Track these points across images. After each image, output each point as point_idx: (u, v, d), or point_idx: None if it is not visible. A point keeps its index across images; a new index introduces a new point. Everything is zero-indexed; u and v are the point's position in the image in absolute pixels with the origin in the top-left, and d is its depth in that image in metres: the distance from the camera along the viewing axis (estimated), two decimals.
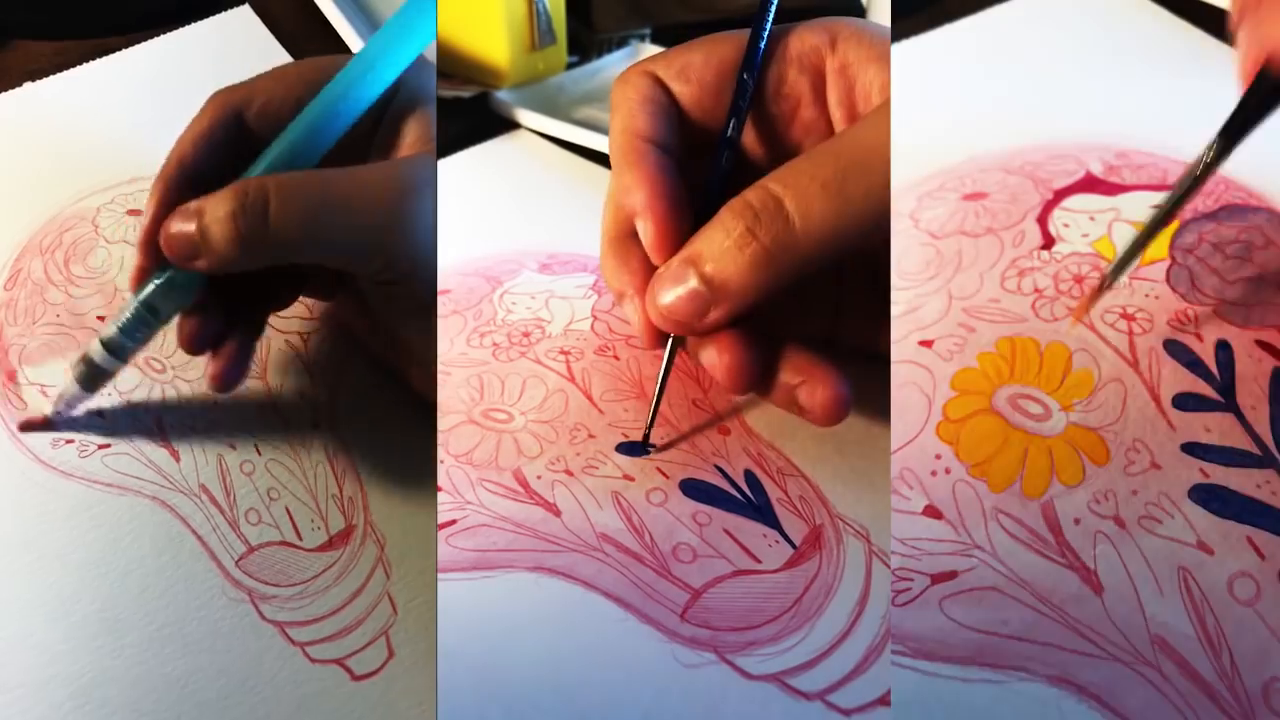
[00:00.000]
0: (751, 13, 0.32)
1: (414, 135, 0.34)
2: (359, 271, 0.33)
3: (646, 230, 0.31)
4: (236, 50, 0.51)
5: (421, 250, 0.32)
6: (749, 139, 0.34)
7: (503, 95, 0.54)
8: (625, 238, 0.32)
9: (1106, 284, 0.32)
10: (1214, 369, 0.33)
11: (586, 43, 0.61)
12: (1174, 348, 0.34)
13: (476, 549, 0.32)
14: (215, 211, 0.30)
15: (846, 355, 0.33)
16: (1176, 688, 0.27)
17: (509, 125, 0.54)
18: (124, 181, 0.45)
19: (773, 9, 0.32)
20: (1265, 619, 0.28)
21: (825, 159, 0.29)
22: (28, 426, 0.36)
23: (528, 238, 0.45)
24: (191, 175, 0.33)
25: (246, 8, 0.53)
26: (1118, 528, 0.30)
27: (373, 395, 0.38)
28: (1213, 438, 0.32)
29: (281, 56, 0.51)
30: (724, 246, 0.29)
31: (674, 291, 0.30)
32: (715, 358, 0.31)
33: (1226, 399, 0.32)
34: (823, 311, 0.34)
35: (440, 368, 0.38)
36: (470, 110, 0.55)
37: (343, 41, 0.51)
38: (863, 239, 0.29)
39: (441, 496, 0.33)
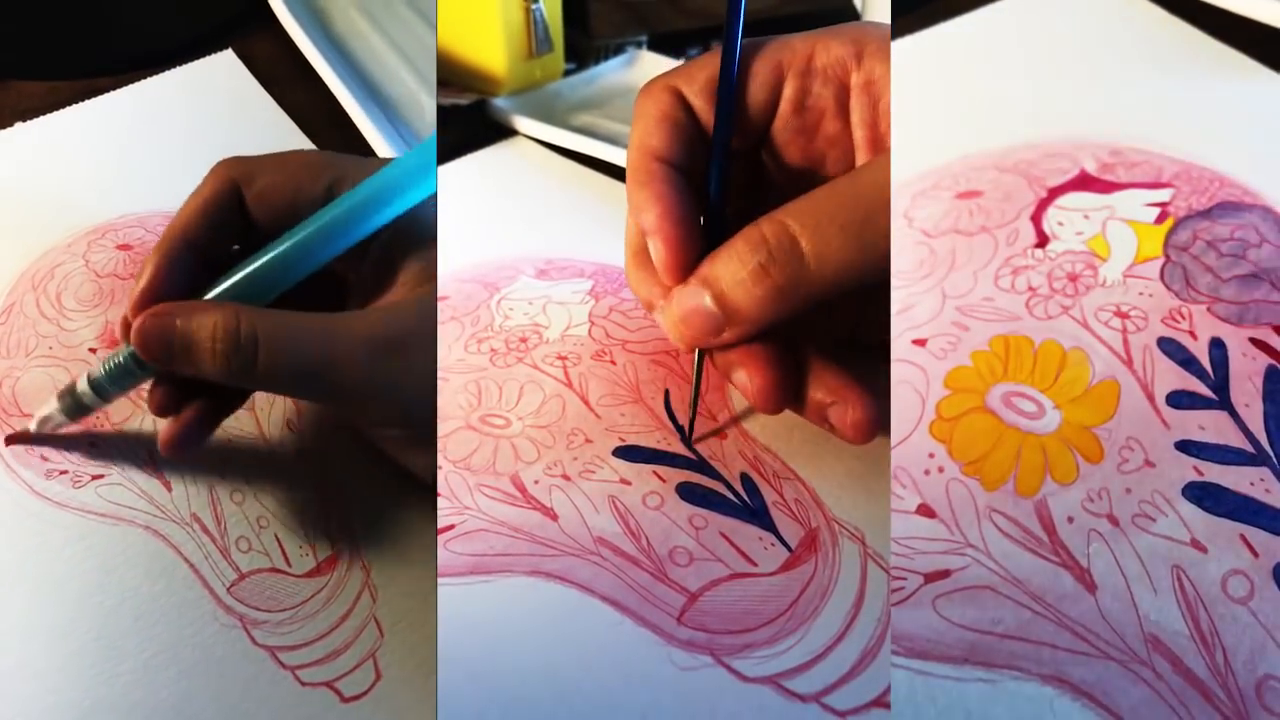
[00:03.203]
0: (750, 20, 0.32)
1: (410, 275, 0.34)
2: (348, 420, 0.34)
3: (656, 250, 0.32)
4: (220, 92, 0.54)
5: (415, 400, 0.33)
6: (772, 149, 0.35)
7: (500, 102, 0.56)
8: (646, 249, 0.33)
9: None
10: (1208, 367, 0.34)
11: (584, 50, 0.62)
12: (1168, 346, 0.35)
13: (474, 554, 0.33)
14: (201, 334, 0.31)
15: (863, 353, 0.34)
16: (1170, 686, 0.28)
17: (506, 132, 0.55)
18: (115, 218, 0.47)
19: (741, 22, 0.33)
20: (1259, 617, 0.29)
21: (846, 199, 0.30)
22: (12, 440, 0.38)
23: (525, 244, 0.47)
24: (191, 241, 0.33)
25: (230, 52, 0.56)
26: (1111, 526, 0.31)
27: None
28: (1207, 435, 0.33)
29: (264, 100, 0.54)
30: (739, 276, 0.31)
31: (688, 310, 0.32)
32: (746, 380, 0.32)
33: (1220, 397, 0.33)
34: (845, 312, 0.35)
35: (439, 373, 0.39)
36: (468, 117, 0.56)
37: (326, 88, 0.53)
38: (879, 275, 0.30)
39: (440, 502, 0.35)
